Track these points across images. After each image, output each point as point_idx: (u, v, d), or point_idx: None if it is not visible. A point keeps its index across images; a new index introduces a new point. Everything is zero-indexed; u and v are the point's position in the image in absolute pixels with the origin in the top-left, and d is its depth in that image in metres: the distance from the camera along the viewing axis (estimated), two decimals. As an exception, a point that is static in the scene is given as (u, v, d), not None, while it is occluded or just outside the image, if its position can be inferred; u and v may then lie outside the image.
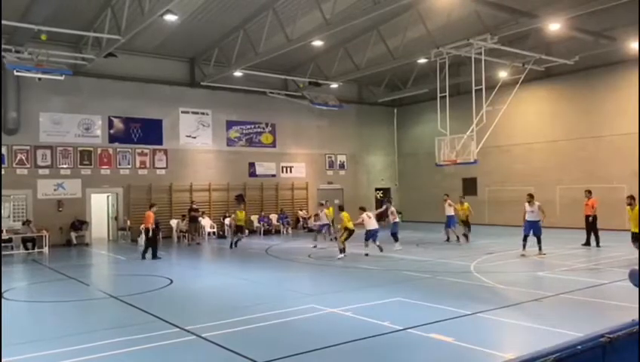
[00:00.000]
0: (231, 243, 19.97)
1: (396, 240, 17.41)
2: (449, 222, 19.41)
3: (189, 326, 7.95)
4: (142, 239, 19.53)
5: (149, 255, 16.84)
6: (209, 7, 19.49)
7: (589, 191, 17.88)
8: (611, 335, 3.03)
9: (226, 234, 24.15)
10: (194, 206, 23.06)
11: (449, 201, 19.57)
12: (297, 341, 7.38)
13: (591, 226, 17.24)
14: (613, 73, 22.94)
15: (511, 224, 17.15)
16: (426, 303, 9.42)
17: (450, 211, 19.38)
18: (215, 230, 24.33)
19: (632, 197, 14.51)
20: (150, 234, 16.90)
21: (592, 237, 17.19)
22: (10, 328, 8.03)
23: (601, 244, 16.95)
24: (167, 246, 20.61)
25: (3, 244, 18.60)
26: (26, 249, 19.19)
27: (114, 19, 18.19)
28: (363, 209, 16.96)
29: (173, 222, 23.64)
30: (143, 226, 18.63)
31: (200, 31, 21.57)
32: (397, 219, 18.13)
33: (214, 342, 7.17)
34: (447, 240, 19.46)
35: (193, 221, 22.48)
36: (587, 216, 17.40)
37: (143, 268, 15.35)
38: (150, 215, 17.11)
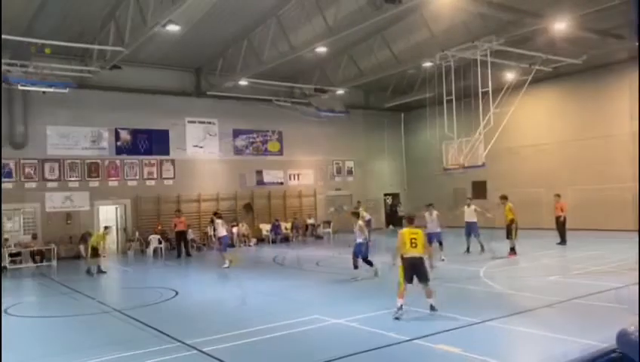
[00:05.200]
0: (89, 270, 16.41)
1: (370, 264, 13.19)
2: (469, 230, 17.13)
3: (190, 340, 7.81)
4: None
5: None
6: (212, 17, 19.45)
7: (558, 195, 19.16)
8: (623, 350, 2.84)
9: (234, 243, 24.00)
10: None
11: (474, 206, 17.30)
12: (300, 354, 7.22)
13: (562, 226, 18.47)
14: (623, 71, 22.57)
15: (521, 227, 16.81)
16: (434, 312, 9.18)
17: (472, 217, 17.11)
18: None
19: None
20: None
21: (560, 236, 18.56)
22: (16, 344, 7.98)
23: (567, 243, 18.32)
24: (172, 256, 20.55)
25: (11, 259, 18.70)
26: (35, 262, 19.22)
27: (117, 31, 18.24)
28: (431, 205, 16.07)
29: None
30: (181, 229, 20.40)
31: (204, 41, 21.57)
32: (360, 240, 13.35)
33: (215, 357, 7.01)
34: (468, 250, 17.07)
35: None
36: (558, 217, 18.50)
37: (150, 279, 15.27)
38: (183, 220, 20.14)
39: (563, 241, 18.49)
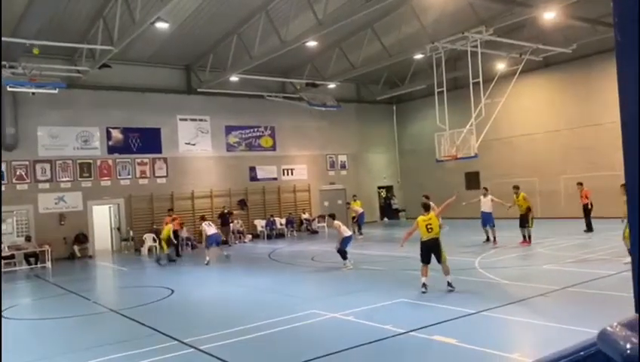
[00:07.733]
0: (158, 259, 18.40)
1: (344, 258, 13.93)
2: (485, 220, 17.06)
3: (187, 338, 7.82)
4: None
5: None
6: (201, 14, 19.37)
7: (581, 183, 19.19)
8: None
9: (229, 241, 23.95)
10: (225, 210, 23.39)
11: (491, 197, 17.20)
12: (297, 349, 7.25)
13: (588, 213, 18.49)
14: (612, 59, 22.45)
15: (515, 216, 16.87)
16: (430, 303, 9.26)
17: (488, 207, 16.98)
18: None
19: None
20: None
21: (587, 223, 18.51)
22: (13, 347, 7.96)
23: (594, 230, 18.23)
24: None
25: (5, 261, 18.59)
26: (29, 264, 19.13)
27: (106, 30, 18.11)
28: (427, 197, 16.30)
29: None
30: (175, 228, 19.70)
31: (193, 38, 21.46)
32: (348, 233, 14.53)
33: (212, 355, 7.02)
34: (487, 240, 17.03)
35: (225, 225, 22.85)
36: (585, 205, 18.57)
37: (145, 278, 15.25)
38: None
39: (589, 229, 18.23)
